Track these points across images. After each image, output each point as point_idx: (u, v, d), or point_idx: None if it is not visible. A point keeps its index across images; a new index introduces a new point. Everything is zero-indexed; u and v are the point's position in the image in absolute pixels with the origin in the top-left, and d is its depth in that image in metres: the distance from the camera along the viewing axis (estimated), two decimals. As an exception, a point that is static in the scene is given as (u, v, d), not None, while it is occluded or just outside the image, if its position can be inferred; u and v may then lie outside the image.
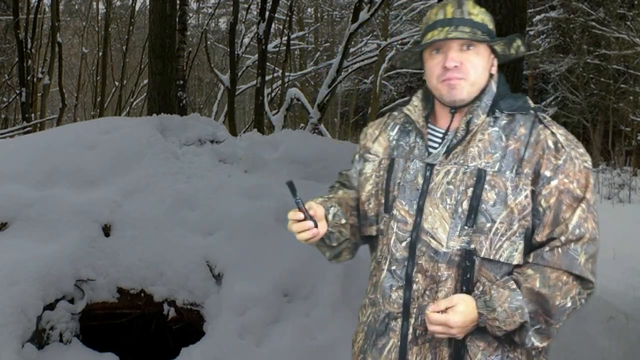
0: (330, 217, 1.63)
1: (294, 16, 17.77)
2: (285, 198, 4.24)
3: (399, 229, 1.55)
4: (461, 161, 1.51)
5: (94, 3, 22.62)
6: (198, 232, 4.00)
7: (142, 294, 3.80)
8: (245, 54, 15.91)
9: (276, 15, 12.33)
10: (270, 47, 13.27)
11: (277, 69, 13.91)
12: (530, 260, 1.48)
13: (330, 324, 3.36)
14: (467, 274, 1.48)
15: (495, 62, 1.60)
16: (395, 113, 1.71)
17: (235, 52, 11.74)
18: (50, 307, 3.54)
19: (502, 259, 1.47)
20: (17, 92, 14.63)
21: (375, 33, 20.63)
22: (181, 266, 3.77)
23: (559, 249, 1.45)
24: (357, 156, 1.75)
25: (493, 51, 1.58)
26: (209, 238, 3.97)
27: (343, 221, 1.65)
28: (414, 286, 1.52)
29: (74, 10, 24.97)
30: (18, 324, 3.26)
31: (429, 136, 1.60)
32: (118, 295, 3.80)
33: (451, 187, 1.50)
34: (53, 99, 24.15)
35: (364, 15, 11.26)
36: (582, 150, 1.52)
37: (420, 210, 1.53)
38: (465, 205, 1.48)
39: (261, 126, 10.86)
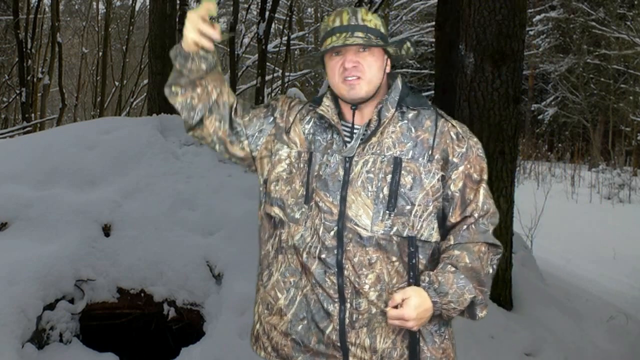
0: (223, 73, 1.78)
1: (294, 16, 17.78)
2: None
3: (325, 219, 1.64)
4: (378, 151, 1.65)
5: (94, 3, 22.61)
6: (198, 232, 4.00)
7: (142, 294, 3.80)
8: (245, 54, 15.91)
9: (276, 15, 12.34)
10: (270, 47, 13.27)
11: (277, 69, 13.91)
12: (452, 242, 1.66)
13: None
14: (413, 259, 1.61)
15: (389, 62, 1.74)
16: (310, 107, 1.79)
17: (235, 52, 11.74)
18: (50, 307, 3.54)
19: (423, 238, 1.63)
20: (17, 92, 14.62)
21: (375, 33, 20.59)
22: (181, 266, 3.77)
23: (473, 225, 1.67)
24: (271, 116, 1.80)
25: (386, 52, 1.72)
26: (209, 238, 3.97)
27: (219, 69, 1.79)
28: (345, 272, 1.62)
29: (74, 10, 24.96)
30: (18, 324, 3.26)
31: (344, 131, 1.71)
32: (118, 295, 3.80)
33: (371, 175, 1.64)
34: (53, 99, 24.13)
35: (364, 15, 11.25)
36: (476, 139, 1.74)
37: (343, 200, 1.63)
38: (386, 190, 1.62)
39: (261, 126, 10.84)
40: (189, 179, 4.47)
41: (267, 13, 10.75)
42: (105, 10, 18.71)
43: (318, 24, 25.32)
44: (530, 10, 21.50)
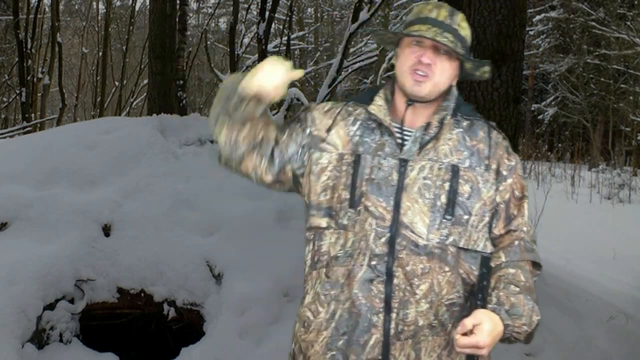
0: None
1: (294, 16, 17.77)
2: (285, 198, 4.25)
3: (377, 225, 1.57)
4: (434, 157, 1.60)
5: (94, 3, 22.61)
6: (198, 232, 4.00)
7: (142, 294, 3.80)
8: (245, 54, 15.90)
9: (276, 15, 12.33)
10: (270, 47, 13.27)
11: (277, 69, 13.89)
12: (504, 259, 1.62)
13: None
14: (484, 280, 1.57)
15: (458, 75, 1.70)
16: (350, 108, 1.72)
17: (235, 52, 11.73)
18: (50, 307, 3.54)
19: (478, 249, 1.59)
20: (17, 92, 14.63)
21: (375, 33, 20.58)
22: (181, 266, 3.77)
23: (522, 242, 1.64)
24: (308, 130, 1.72)
25: (460, 66, 1.68)
26: (209, 238, 3.97)
27: (269, 112, 1.74)
28: (395, 280, 1.55)
29: (74, 10, 24.96)
30: (18, 324, 3.26)
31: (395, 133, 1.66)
32: (118, 295, 3.80)
33: (428, 182, 1.58)
34: (53, 99, 24.13)
35: (364, 15, 11.25)
36: (519, 157, 1.73)
37: (397, 206, 1.57)
38: (444, 198, 1.57)
39: (261, 126, 10.84)
40: (189, 179, 4.47)
41: (267, 13, 10.74)
42: (105, 10, 18.71)
43: (318, 24, 25.34)
44: (530, 10, 21.50)
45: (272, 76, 1.60)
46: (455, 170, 1.59)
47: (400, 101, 1.67)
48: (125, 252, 3.84)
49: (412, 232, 1.56)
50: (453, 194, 1.57)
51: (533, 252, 1.64)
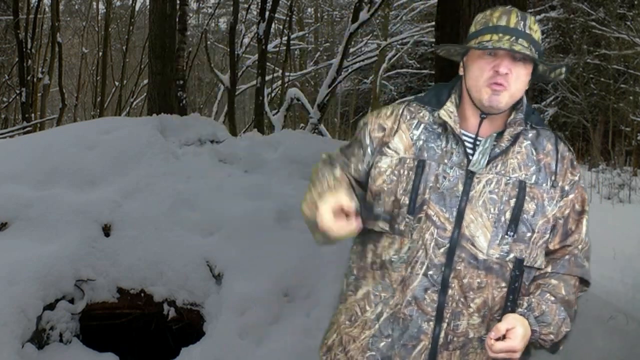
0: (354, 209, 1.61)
1: (294, 16, 17.77)
2: (285, 198, 4.25)
3: (438, 235, 1.55)
4: (502, 172, 1.57)
5: (94, 3, 22.61)
6: (198, 232, 4.00)
7: (142, 294, 3.80)
8: (245, 54, 15.90)
9: (276, 15, 12.33)
10: (270, 47, 13.27)
11: (277, 69, 13.91)
12: (550, 269, 1.61)
13: (330, 324, 3.36)
14: (516, 282, 1.55)
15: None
16: (413, 109, 1.67)
17: (235, 52, 11.73)
18: (50, 307, 3.54)
19: (536, 265, 1.58)
20: (17, 92, 14.63)
21: (375, 33, 20.63)
22: (181, 266, 3.77)
23: (573, 258, 1.63)
24: (369, 149, 1.68)
25: (535, 70, 1.61)
26: (209, 238, 3.97)
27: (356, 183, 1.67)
28: (450, 291, 1.54)
29: (74, 10, 24.96)
30: (18, 324, 3.26)
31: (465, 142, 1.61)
32: (118, 295, 3.80)
33: (494, 196, 1.55)
34: (53, 99, 24.13)
35: (364, 15, 11.26)
36: (581, 170, 1.71)
37: (460, 217, 1.54)
38: (508, 215, 1.54)
39: (261, 126, 10.86)
40: (189, 179, 4.47)
41: (267, 13, 10.75)
42: (105, 10, 18.71)
43: (318, 24, 25.33)
44: (530, 10, 21.48)
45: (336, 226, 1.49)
46: (522, 187, 1.55)
47: (470, 112, 1.62)
48: (125, 252, 3.84)
49: (473, 245, 1.54)
50: (518, 210, 1.54)
51: (583, 268, 1.64)
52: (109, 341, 3.80)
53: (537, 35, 1.57)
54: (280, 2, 14.65)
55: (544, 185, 1.58)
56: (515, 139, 1.58)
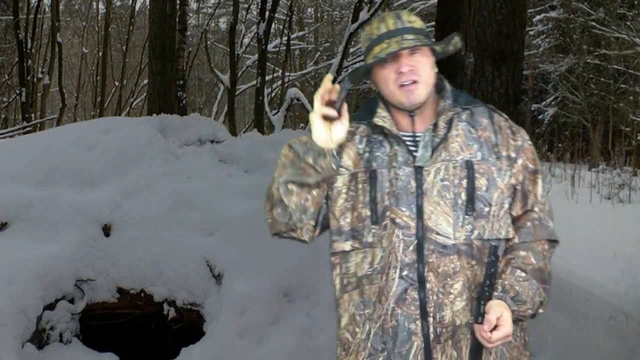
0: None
1: (294, 16, 17.77)
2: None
3: (404, 235, 1.58)
4: (447, 158, 1.61)
5: (94, 3, 22.61)
6: (198, 232, 4.00)
7: (142, 294, 3.80)
8: (245, 54, 15.90)
9: (276, 15, 12.33)
10: (270, 47, 13.27)
11: (277, 69, 13.91)
12: (516, 240, 1.64)
13: (330, 324, 3.35)
14: (492, 268, 1.57)
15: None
16: (352, 128, 1.67)
17: (235, 52, 11.74)
18: (50, 307, 3.54)
19: (501, 236, 1.62)
20: (17, 92, 14.63)
21: (375, 33, 20.56)
22: (181, 266, 3.77)
23: (536, 222, 1.66)
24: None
25: (432, 51, 1.68)
26: (209, 238, 3.97)
27: (334, 167, 1.60)
28: (427, 285, 1.57)
29: (74, 10, 24.96)
30: (18, 324, 3.26)
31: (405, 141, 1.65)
32: (118, 295, 3.80)
33: (446, 182, 1.60)
34: (53, 99, 24.13)
35: (364, 15, 11.26)
36: (524, 130, 1.74)
37: (420, 212, 1.58)
38: (464, 196, 1.59)
39: (261, 126, 10.86)
40: (189, 179, 4.47)
41: (267, 13, 10.75)
42: (105, 10, 18.71)
43: (318, 24, 25.33)
44: (530, 10, 21.50)
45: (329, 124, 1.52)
46: (469, 166, 1.61)
47: (400, 115, 1.67)
48: (125, 252, 3.84)
49: (438, 234, 1.58)
50: (471, 189, 1.59)
51: (548, 229, 1.67)
52: (109, 341, 3.80)
53: (418, 24, 1.65)
54: (280, 2, 14.66)
55: (490, 158, 1.63)
56: (450, 125, 1.64)
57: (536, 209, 1.66)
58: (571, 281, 5.88)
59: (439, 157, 1.61)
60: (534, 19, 23.04)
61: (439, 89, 1.69)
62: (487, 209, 1.60)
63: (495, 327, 1.51)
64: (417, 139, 1.64)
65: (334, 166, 1.58)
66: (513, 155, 1.65)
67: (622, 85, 21.41)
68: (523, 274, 1.58)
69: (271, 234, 1.73)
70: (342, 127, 1.54)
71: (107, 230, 3.98)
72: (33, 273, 3.47)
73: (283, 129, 10.48)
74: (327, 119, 1.52)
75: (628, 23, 19.47)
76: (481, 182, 1.60)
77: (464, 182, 1.59)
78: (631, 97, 20.89)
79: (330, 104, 1.53)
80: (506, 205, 1.62)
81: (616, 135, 23.11)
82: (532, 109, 25.05)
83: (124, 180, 4.35)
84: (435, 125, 1.64)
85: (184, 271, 3.76)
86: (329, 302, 3.53)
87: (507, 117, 1.72)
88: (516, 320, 1.58)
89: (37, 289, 3.43)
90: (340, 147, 1.65)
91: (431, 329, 1.57)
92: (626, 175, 15.07)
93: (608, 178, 14.78)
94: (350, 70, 1.83)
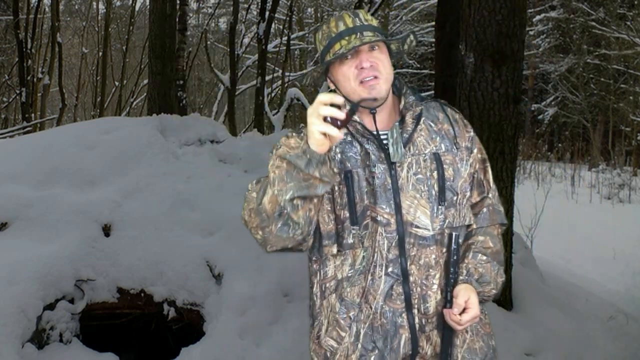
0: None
1: (294, 16, 17.77)
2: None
3: (386, 232, 1.61)
4: (416, 152, 1.66)
5: (94, 3, 22.61)
6: (198, 232, 4.00)
7: (142, 294, 3.80)
8: (245, 54, 15.90)
9: (276, 15, 12.33)
10: (270, 47, 13.27)
11: (277, 69, 13.91)
12: (475, 225, 1.74)
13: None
14: (455, 255, 1.63)
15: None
16: None
17: (235, 52, 11.73)
18: (50, 307, 3.54)
19: (466, 222, 1.70)
20: (17, 92, 14.63)
21: (375, 33, 20.58)
22: (181, 266, 3.77)
23: (491, 207, 1.76)
24: None
25: (388, 48, 1.70)
26: (209, 238, 3.97)
27: (336, 170, 1.58)
28: (411, 278, 1.62)
29: (74, 10, 24.95)
30: (18, 324, 3.26)
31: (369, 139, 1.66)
32: (118, 295, 3.80)
33: (420, 176, 1.64)
34: (53, 99, 24.13)
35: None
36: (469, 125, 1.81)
37: (398, 207, 1.62)
38: (436, 187, 1.65)
39: (261, 126, 10.86)
40: (189, 179, 4.47)
41: (267, 13, 10.74)
42: (105, 10, 18.70)
43: (318, 24, 25.32)
44: (530, 10, 21.50)
45: (317, 113, 1.44)
46: (437, 158, 1.66)
47: (362, 114, 1.66)
48: (125, 252, 3.84)
49: (418, 227, 1.62)
50: (442, 180, 1.65)
51: (500, 214, 1.78)
52: (109, 341, 3.80)
53: (375, 23, 1.68)
54: (280, 2, 14.66)
55: (452, 149, 1.70)
56: (417, 120, 1.68)
57: (490, 195, 1.76)
58: (571, 281, 5.88)
59: (408, 152, 1.65)
60: (534, 19, 23.05)
61: (395, 87, 1.73)
62: (455, 198, 1.67)
63: (464, 310, 1.58)
64: (382, 137, 1.65)
65: (335, 170, 1.56)
66: (469, 145, 1.74)
67: (622, 85, 21.41)
68: (484, 257, 1.68)
69: (267, 250, 1.66)
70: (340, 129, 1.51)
71: (107, 230, 3.98)
72: (33, 273, 3.47)
73: (283, 129, 10.48)
74: (327, 120, 1.43)
75: (628, 23, 19.47)
76: (449, 173, 1.67)
77: (435, 173, 1.65)
78: (631, 97, 20.89)
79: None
80: (468, 193, 1.71)
81: (616, 135, 23.11)
82: (532, 109, 25.06)
83: (124, 180, 4.35)
84: (402, 121, 1.67)
85: (184, 271, 3.76)
86: (329, 302, 3.53)
87: (457, 109, 1.80)
88: (482, 301, 1.65)
89: (37, 289, 3.43)
90: None
91: (416, 320, 1.62)
92: (626, 175, 15.08)
93: (608, 178, 14.78)
94: (307, 73, 1.81)
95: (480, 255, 1.68)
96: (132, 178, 4.37)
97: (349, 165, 1.63)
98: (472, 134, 1.77)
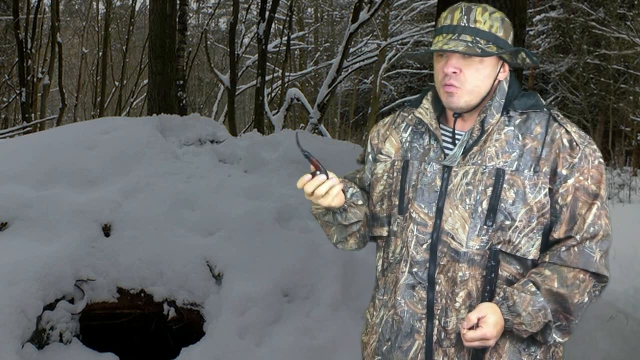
0: (348, 195, 1.65)
1: (294, 16, 17.77)
2: (285, 198, 4.25)
3: (419, 231, 1.56)
4: (479, 161, 1.53)
5: (94, 3, 22.62)
6: (198, 232, 4.00)
7: (142, 294, 3.80)
8: (245, 54, 15.91)
9: (276, 15, 12.33)
10: (270, 47, 13.27)
11: (277, 69, 13.91)
12: (547, 259, 1.51)
13: (330, 324, 3.36)
14: (492, 273, 1.50)
15: (506, 67, 1.60)
16: (405, 113, 1.70)
17: (235, 52, 11.74)
18: (50, 307, 3.54)
19: (519, 254, 1.51)
20: (17, 92, 14.63)
21: (375, 33, 20.62)
22: (181, 266, 3.77)
23: (575, 248, 1.49)
24: (370, 157, 1.74)
25: (501, 58, 1.57)
26: (209, 238, 3.97)
27: (360, 202, 1.67)
28: (437, 287, 1.54)
29: (74, 10, 24.96)
30: (18, 324, 3.26)
31: (443, 137, 1.60)
32: (118, 295, 3.80)
33: (470, 187, 1.52)
34: (53, 99, 24.14)
35: (364, 15, 11.26)
36: (594, 146, 1.55)
37: (439, 212, 1.54)
38: (485, 204, 1.50)
39: (261, 126, 10.86)
40: (189, 179, 4.47)
41: (267, 13, 10.75)
42: (105, 10, 18.70)
43: (318, 24, 25.32)
44: (530, 10, 21.49)
45: (314, 186, 1.54)
46: (499, 175, 1.50)
47: (448, 110, 1.61)
48: (125, 252, 3.84)
49: (453, 239, 1.53)
50: (496, 199, 1.49)
51: (588, 260, 1.49)
52: (109, 341, 3.80)
53: (487, 25, 1.52)
54: (280, 2, 14.66)
55: (526, 171, 1.50)
56: (483, 126, 1.54)
57: (578, 236, 1.49)
58: (571, 281, 5.88)
59: (470, 159, 1.54)
60: (534, 19, 23.04)
61: (493, 95, 1.58)
62: (508, 223, 1.49)
63: (476, 327, 1.45)
64: (458, 137, 1.58)
65: (357, 201, 1.67)
66: (564, 172, 1.50)
67: (622, 85, 21.41)
68: (533, 289, 1.47)
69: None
70: (335, 186, 1.54)
71: (107, 230, 3.98)
72: (33, 273, 3.47)
73: (283, 129, 10.48)
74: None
75: (628, 23, 19.47)
76: (509, 194, 1.49)
77: (489, 190, 1.50)
78: (631, 97, 20.90)
79: (314, 174, 1.54)
80: (534, 224, 1.49)
81: (616, 135, 23.12)
82: (532, 109, 25.03)
83: (124, 180, 4.35)
84: (473, 127, 1.56)
85: (184, 271, 3.76)
86: (329, 302, 3.55)
87: (570, 129, 1.54)
88: (512, 331, 1.49)
89: (37, 289, 3.42)
90: (388, 134, 1.69)
91: (435, 331, 1.55)
92: (626, 175, 15.09)
93: (608, 178, 14.75)
94: (413, 51, 1.81)
95: (530, 284, 1.47)
96: (132, 178, 4.37)
97: (409, 155, 1.62)
98: (576, 160, 1.49)
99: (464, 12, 1.53)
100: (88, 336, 3.74)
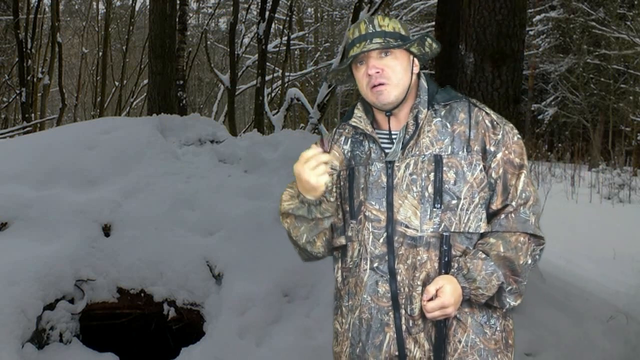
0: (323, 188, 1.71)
1: (294, 16, 17.77)
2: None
3: (374, 227, 1.66)
4: (417, 152, 1.66)
5: (94, 3, 22.61)
6: (198, 232, 4.00)
7: (142, 294, 3.80)
8: (245, 54, 15.91)
9: (276, 15, 12.33)
10: (270, 47, 13.27)
11: (277, 69, 13.91)
12: (490, 229, 1.66)
13: (330, 324, 3.35)
14: (445, 257, 1.61)
15: (417, 62, 1.74)
16: (341, 129, 1.81)
17: (235, 52, 11.74)
18: (50, 307, 3.54)
19: (470, 230, 1.64)
20: (17, 92, 14.63)
21: (375, 33, 20.58)
22: (181, 266, 3.77)
23: (512, 214, 1.65)
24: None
25: (412, 53, 1.72)
26: (209, 238, 3.97)
27: (332, 200, 1.74)
28: (398, 277, 1.63)
29: (74, 10, 24.96)
30: (18, 324, 3.26)
31: (380, 139, 1.72)
32: (118, 295, 3.80)
33: (415, 176, 1.65)
34: (53, 99, 24.14)
35: (364, 15, 11.26)
36: (512, 124, 1.74)
37: (390, 206, 1.65)
38: (431, 189, 1.63)
39: (261, 126, 10.86)
40: (189, 179, 4.47)
41: (267, 13, 10.75)
42: (105, 10, 18.70)
43: (318, 24, 25.33)
44: (530, 10, 21.49)
45: (310, 173, 1.61)
46: (438, 160, 1.64)
47: (379, 114, 1.74)
48: (125, 252, 3.84)
49: (407, 227, 1.63)
50: (439, 182, 1.63)
51: (525, 223, 1.65)
52: (109, 341, 3.80)
53: (390, 27, 1.69)
54: (280, 2, 14.66)
55: (460, 152, 1.65)
56: (417, 121, 1.68)
57: (513, 203, 1.65)
58: (571, 281, 5.88)
59: (409, 152, 1.67)
60: (534, 19, 23.05)
61: (417, 92, 1.74)
62: (454, 202, 1.62)
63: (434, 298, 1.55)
64: (394, 136, 1.71)
65: (332, 200, 1.72)
66: (492, 149, 1.66)
67: (622, 85, 21.41)
68: (483, 256, 1.61)
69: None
70: (326, 172, 1.60)
71: (107, 230, 3.98)
72: (33, 273, 3.47)
73: (283, 129, 10.48)
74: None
75: (628, 23, 19.48)
76: (449, 176, 1.63)
77: (431, 175, 1.63)
78: (631, 97, 20.91)
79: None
80: (477, 200, 1.64)
81: (616, 135, 23.12)
82: (532, 109, 25.05)
83: (124, 180, 4.35)
84: (407, 124, 1.70)
85: (184, 271, 3.76)
86: (329, 302, 3.53)
87: (489, 111, 1.72)
88: (471, 300, 1.61)
89: (37, 289, 3.42)
90: (332, 150, 1.77)
91: (403, 320, 1.63)
92: (626, 175, 15.08)
93: (608, 178, 14.78)
94: (332, 70, 1.90)
95: (480, 253, 1.62)
96: (132, 178, 4.37)
97: (354, 162, 1.73)
98: (499, 136, 1.67)
99: (368, 22, 1.71)
100: (88, 336, 3.74)
